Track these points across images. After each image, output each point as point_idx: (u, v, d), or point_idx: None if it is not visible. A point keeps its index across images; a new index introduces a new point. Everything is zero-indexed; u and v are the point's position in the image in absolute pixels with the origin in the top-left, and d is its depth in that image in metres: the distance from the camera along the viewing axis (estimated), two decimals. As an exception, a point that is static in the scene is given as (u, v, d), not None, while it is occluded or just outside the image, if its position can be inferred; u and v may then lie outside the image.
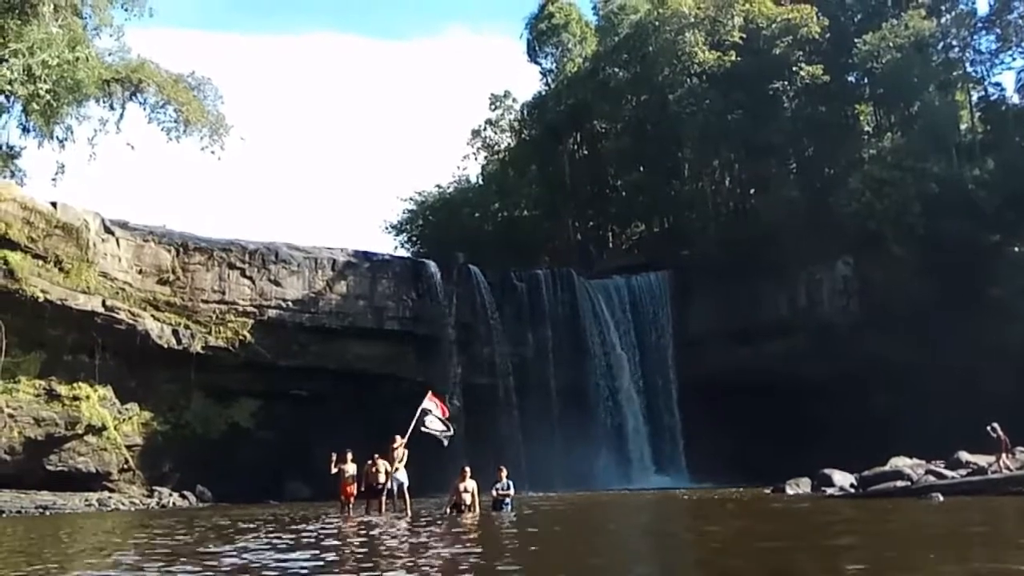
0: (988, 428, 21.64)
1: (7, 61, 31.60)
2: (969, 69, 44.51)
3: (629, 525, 15.94)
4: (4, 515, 26.08)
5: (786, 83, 45.37)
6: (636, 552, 10.74)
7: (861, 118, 47.15)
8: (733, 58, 45.47)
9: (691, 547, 10.96)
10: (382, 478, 18.78)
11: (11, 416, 30.43)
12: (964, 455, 23.04)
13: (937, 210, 36.45)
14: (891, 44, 41.15)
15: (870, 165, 40.42)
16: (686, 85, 46.68)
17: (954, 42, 43.98)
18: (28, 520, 23.89)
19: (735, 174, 51.05)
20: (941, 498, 17.39)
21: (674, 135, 47.54)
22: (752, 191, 50.35)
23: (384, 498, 18.89)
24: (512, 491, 19.09)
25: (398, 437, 19.03)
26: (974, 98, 44.47)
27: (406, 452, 18.82)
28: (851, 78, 46.45)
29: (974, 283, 35.20)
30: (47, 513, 27.04)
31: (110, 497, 31.31)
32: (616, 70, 52.70)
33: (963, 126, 44.05)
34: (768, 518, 15.85)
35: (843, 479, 23.15)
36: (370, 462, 19.16)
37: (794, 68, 44.30)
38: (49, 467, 31.22)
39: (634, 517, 18.30)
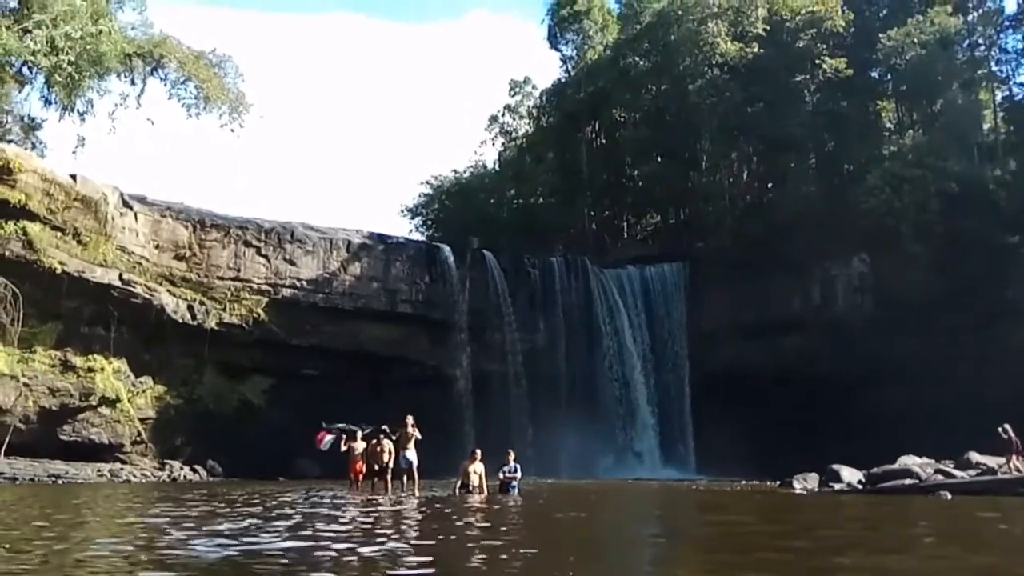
0: (1000, 429, 21.52)
1: (31, 32, 31.85)
2: (994, 68, 44.10)
3: (626, 512, 16.00)
4: (18, 482, 26.47)
5: (808, 76, 45.06)
6: (626, 535, 10.82)
7: (883, 114, 46.74)
8: (755, 50, 45.21)
9: (678, 532, 11.00)
10: (386, 457, 18.94)
11: (26, 385, 30.81)
12: (974, 456, 22.91)
13: (956, 209, 36.21)
14: (916, 40, 40.76)
15: (890, 162, 40.12)
16: (707, 76, 46.39)
17: (980, 40, 43.57)
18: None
19: (753, 167, 50.76)
20: (949, 496, 17.35)
21: (693, 126, 47.28)
22: (770, 185, 50.05)
23: (389, 477, 19.04)
24: (519, 474, 19.20)
25: (410, 418, 19.14)
26: (998, 98, 44.03)
27: (416, 432, 18.92)
28: (874, 73, 46.09)
29: (989, 284, 35.00)
30: (60, 482, 27.38)
31: (122, 468, 31.69)
32: (637, 59, 52.48)
33: (986, 126, 43.65)
34: (765, 510, 15.85)
35: (851, 475, 23.04)
36: (375, 442, 19.32)
37: (817, 61, 43.94)
38: (63, 437, 31.63)
39: (636, 504, 18.35)
